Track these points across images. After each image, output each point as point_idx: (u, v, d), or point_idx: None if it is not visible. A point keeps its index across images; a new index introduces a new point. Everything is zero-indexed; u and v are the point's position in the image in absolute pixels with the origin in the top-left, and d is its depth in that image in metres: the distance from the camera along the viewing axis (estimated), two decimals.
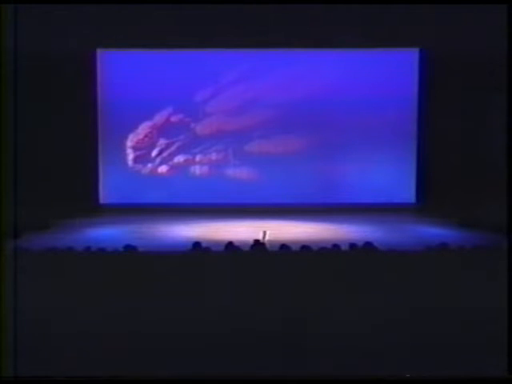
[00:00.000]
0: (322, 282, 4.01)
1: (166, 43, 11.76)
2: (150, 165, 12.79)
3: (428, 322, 3.60)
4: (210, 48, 12.06)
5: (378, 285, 3.94)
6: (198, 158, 12.79)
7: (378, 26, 11.40)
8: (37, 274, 4.03)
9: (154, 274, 4.08)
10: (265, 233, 9.51)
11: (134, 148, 12.73)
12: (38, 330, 3.46)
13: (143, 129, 12.67)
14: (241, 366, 3.26)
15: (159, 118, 12.63)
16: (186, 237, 9.31)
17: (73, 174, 11.98)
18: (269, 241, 8.39)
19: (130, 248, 6.08)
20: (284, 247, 6.39)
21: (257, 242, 7.21)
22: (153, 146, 12.76)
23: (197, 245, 6.51)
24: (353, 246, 6.46)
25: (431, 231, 10.36)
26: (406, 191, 12.70)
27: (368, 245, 6.42)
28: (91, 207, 12.13)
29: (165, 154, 12.76)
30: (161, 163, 12.79)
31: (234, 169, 12.79)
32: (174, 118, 12.64)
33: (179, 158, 12.76)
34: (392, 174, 12.63)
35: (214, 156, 12.77)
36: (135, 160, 12.77)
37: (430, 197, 12.13)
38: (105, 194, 12.69)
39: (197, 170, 12.81)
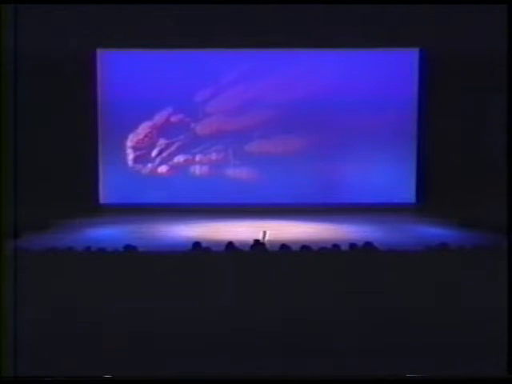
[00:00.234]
0: (322, 282, 4.01)
1: (165, 43, 11.77)
2: (149, 165, 12.80)
3: (428, 322, 3.60)
4: (210, 48, 12.07)
5: (378, 285, 3.94)
6: (197, 157, 12.79)
7: (378, 26, 11.40)
8: (37, 274, 4.03)
9: (154, 274, 4.07)
10: (265, 233, 9.52)
11: (134, 148, 12.73)
12: (37, 330, 3.45)
13: (143, 129, 12.67)
14: (241, 365, 3.26)
15: (159, 118, 12.64)
16: (186, 237, 9.31)
17: (73, 174, 11.98)
18: (269, 241, 8.40)
19: (129, 248, 6.09)
20: (284, 247, 6.40)
21: (257, 242, 7.22)
22: (153, 146, 12.77)
23: (197, 245, 6.52)
24: (353, 245, 6.47)
25: (431, 231, 10.36)
26: (406, 191, 12.70)
27: (368, 245, 6.43)
28: (91, 207, 12.13)
29: (165, 154, 12.77)
30: (161, 163, 12.79)
31: (234, 169, 12.80)
32: (173, 118, 12.64)
33: (179, 158, 12.77)
34: (392, 174, 12.64)
35: (214, 156, 12.78)
36: (135, 160, 12.77)
37: (430, 197, 12.14)
38: (105, 194, 12.70)
39: (197, 170, 12.82)
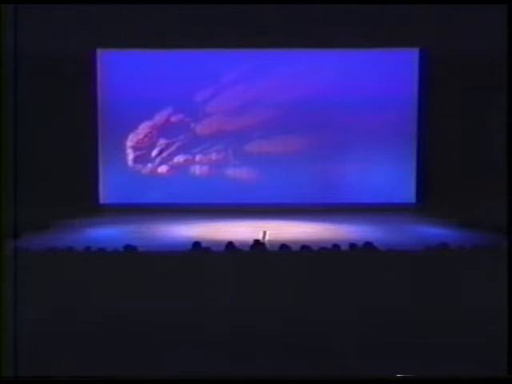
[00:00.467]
0: (322, 282, 4.01)
1: (165, 43, 11.76)
2: (149, 165, 12.79)
3: (428, 322, 3.60)
4: (210, 48, 12.06)
5: (378, 285, 3.94)
6: (197, 157, 12.79)
7: (378, 26, 11.39)
8: (37, 274, 4.03)
9: (154, 274, 4.07)
10: (265, 233, 9.51)
11: (134, 148, 12.73)
12: (37, 330, 3.45)
13: (143, 129, 12.67)
14: (241, 366, 3.26)
15: (159, 118, 12.63)
16: (186, 237, 9.31)
17: (73, 174, 11.98)
18: (269, 241, 8.38)
19: (129, 248, 6.08)
20: (284, 247, 6.39)
21: (257, 242, 7.21)
22: (153, 146, 12.77)
23: (197, 245, 6.51)
24: (353, 245, 6.46)
25: (431, 231, 10.36)
26: (406, 191, 12.70)
27: (368, 245, 6.42)
28: (91, 207, 12.13)
29: (165, 154, 12.76)
30: (161, 163, 12.79)
31: (234, 169, 12.79)
32: (173, 118, 12.64)
33: (179, 158, 12.77)
34: (392, 174, 12.63)
35: (214, 156, 12.78)
36: (135, 160, 12.77)
37: (430, 197, 12.13)
38: (105, 194, 12.70)
39: (197, 170, 12.81)
